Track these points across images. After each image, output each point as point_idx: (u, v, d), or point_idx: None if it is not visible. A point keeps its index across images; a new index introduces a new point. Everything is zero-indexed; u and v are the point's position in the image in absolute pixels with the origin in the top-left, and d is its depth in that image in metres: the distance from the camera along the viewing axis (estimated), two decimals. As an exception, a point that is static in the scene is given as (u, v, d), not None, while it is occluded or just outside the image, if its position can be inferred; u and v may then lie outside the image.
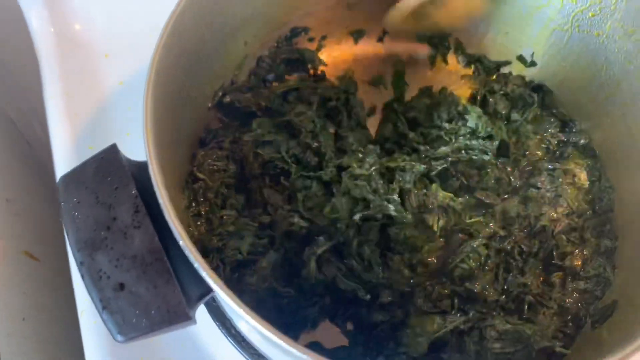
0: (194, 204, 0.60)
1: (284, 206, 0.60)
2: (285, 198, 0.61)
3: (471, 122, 0.70)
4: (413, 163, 0.62)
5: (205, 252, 0.56)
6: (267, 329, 0.40)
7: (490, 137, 0.68)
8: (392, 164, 0.62)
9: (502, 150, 0.68)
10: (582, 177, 0.65)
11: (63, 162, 0.69)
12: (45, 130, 0.94)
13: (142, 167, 0.46)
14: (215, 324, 0.60)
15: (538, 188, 0.63)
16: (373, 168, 0.60)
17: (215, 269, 0.56)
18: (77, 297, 0.62)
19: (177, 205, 0.46)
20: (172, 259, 0.42)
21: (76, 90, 0.74)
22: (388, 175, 0.61)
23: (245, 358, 0.59)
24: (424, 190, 0.60)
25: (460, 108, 0.71)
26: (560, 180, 0.64)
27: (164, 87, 0.50)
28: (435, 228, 0.58)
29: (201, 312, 0.61)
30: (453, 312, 0.58)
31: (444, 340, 0.57)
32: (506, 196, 0.64)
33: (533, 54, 0.71)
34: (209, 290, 0.42)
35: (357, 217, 0.57)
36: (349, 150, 0.65)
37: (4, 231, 0.72)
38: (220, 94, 0.66)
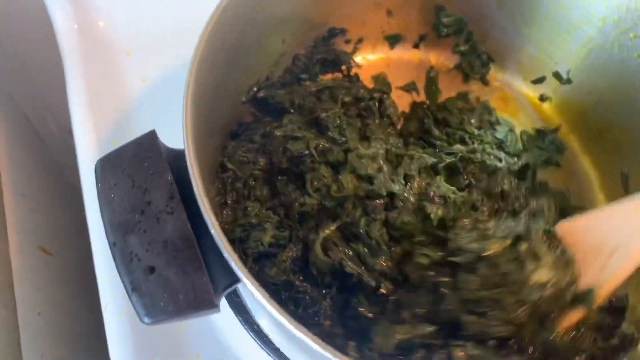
0: (222, 193, 0.60)
1: (296, 191, 0.61)
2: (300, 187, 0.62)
3: (500, 134, 0.70)
4: (424, 155, 0.62)
5: (229, 242, 0.57)
6: (290, 322, 0.40)
7: (517, 156, 0.69)
8: (400, 152, 0.62)
9: (523, 174, 0.68)
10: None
11: (86, 159, 0.69)
12: (59, 127, 0.95)
13: (177, 154, 0.47)
14: (237, 319, 0.61)
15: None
16: (380, 151, 0.61)
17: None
18: (101, 291, 0.62)
19: (208, 194, 0.46)
20: (202, 247, 0.43)
21: (99, 87, 0.74)
22: (396, 162, 0.62)
23: (266, 353, 0.60)
24: (428, 180, 0.61)
25: (493, 118, 0.71)
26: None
27: (202, 80, 0.51)
28: (432, 217, 0.58)
29: (223, 306, 0.62)
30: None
31: (411, 346, 0.55)
32: (504, 213, 0.61)
33: (569, 71, 0.71)
34: (236, 280, 0.43)
35: (362, 192, 0.58)
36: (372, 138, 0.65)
37: (20, 226, 0.72)
38: (254, 89, 0.67)
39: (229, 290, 0.43)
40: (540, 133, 0.72)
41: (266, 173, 0.63)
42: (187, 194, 0.44)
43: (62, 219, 0.88)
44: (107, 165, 0.45)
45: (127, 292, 0.41)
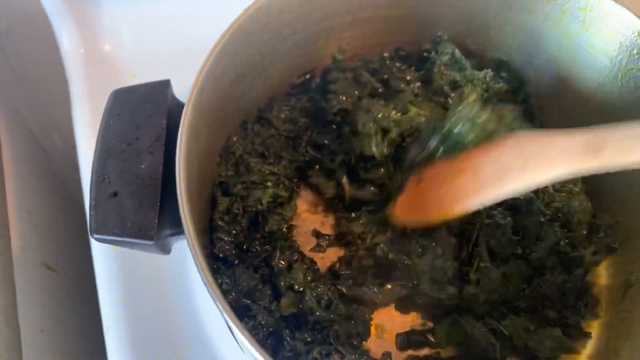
0: (239, 143, 0.63)
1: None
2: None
3: None
4: None
5: (227, 195, 0.61)
6: (212, 287, 0.43)
7: None
8: None
9: None
10: None
11: (90, 179, 0.67)
12: (64, 142, 0.96)
13: (181, 107, 0.51)
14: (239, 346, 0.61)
15: None
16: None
17: (235, 215, 0.60)
18: (103, 313, 0.64)
19: (205, 140, 0.51)
20: (166, 192, 0.47)
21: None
22: None
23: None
24: None
25: None
26: None
27: (244, 48, 0.57)
28: None
29: (223, 332, 0.64)
30: None
31: None
32: None
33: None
34: (181, 232, 0.46)
35: None
36: None
37: (25, 242, 0.72)
38: (308, 76, 0.71)
39: (172, 237, 0.47)
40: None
41: (295, 134, 0.67)
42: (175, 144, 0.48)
43: (66, 236, 0.88)
44: (118, 97, 0.50)
45: (90, 206, 0.46)
